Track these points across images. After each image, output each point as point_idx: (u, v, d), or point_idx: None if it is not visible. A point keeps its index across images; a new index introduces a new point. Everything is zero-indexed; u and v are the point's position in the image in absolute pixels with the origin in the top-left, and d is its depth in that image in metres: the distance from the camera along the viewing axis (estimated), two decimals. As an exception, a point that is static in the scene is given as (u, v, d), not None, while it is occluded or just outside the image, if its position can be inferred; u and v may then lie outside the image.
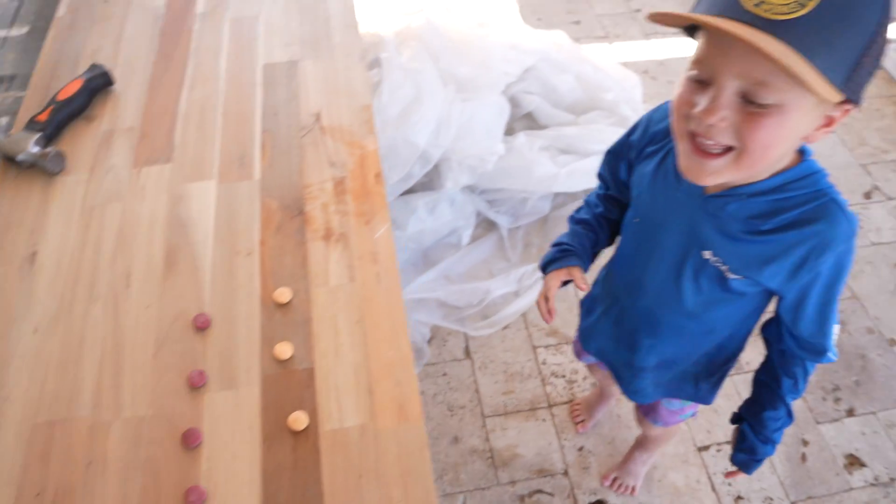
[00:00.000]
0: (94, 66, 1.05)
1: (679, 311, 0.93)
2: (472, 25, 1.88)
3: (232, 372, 0.76)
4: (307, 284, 0.82)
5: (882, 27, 0.61)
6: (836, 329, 0.87)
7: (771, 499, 1.66)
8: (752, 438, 1.00)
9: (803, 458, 1.73)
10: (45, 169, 0.94)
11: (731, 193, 0.77)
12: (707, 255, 0.84)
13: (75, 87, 1.01)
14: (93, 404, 0.74)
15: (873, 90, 2.63)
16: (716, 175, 0.70)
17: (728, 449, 1.72)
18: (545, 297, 0.97)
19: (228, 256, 0.85)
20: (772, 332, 0.93)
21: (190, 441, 0.71)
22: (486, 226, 1.98)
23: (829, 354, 0.87)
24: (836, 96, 0.62)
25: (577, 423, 1.70)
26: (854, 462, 1.73)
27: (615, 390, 1.60)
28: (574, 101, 2.04)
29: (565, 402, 1.77)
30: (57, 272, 0.85)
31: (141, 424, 0.72)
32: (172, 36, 1.10)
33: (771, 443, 1.00)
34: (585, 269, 1.00)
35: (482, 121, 1.80)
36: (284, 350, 0.77)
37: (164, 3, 1.15)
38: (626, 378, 1.14)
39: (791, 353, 0.89)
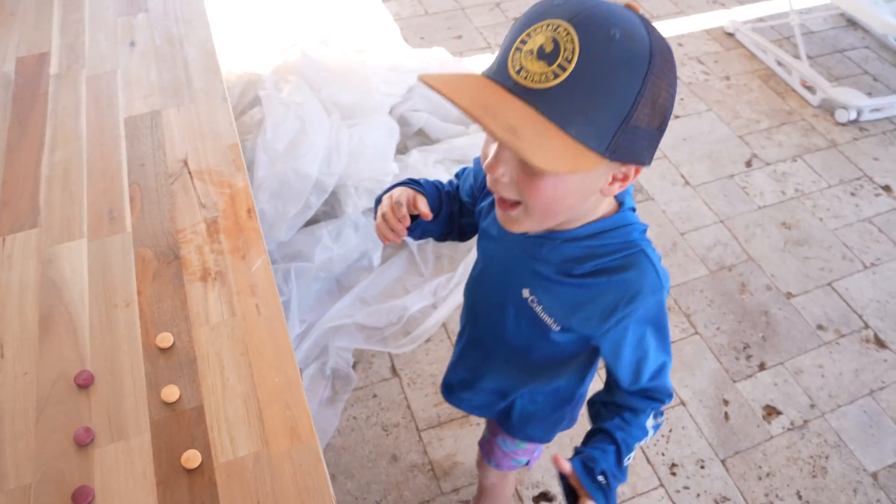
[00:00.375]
0: (-52, 143, 1.03)
1: (504, 345, 0.94)
2: (349, 53, 1.92)
3: (120, 423, 0.76)
4: (189, 326, 0.82)
5: (642, 97, 0.63)
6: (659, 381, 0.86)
7: (702, 460, 1.74)
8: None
9: (726, 416, 1.82)
10: None
11: (546, 237, 0.79)
12: (525, 293, 0.87)
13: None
14: (-26, 483, 0.72)
15: (737, 67, 2.83)
16: (519, 224, 0.73)
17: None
18: (388, 210, 0.89)
19: (106, 310, 0.85)
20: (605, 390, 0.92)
21: (80, 500, 0.70)
22: (396, 246, 2.01)
23: (655, 402, 0.87)
24: (599, 161, 0.64)
25: None
26: (771, 412, 1.83)
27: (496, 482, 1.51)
28: (462, 113, 2.11)
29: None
30: (-74, 355, 0.83)
31: (27, 493, 0.71)
32: (26, 100, 1.09)
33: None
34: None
35: (372, 143, 1.83)
36: (171, 393, 0.77)
37: (13, 69, 1.14)
38: (468, 397, 1.11)
39: (625, 404, 0.87)
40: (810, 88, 2.67)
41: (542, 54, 0.61)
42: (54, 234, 0.94)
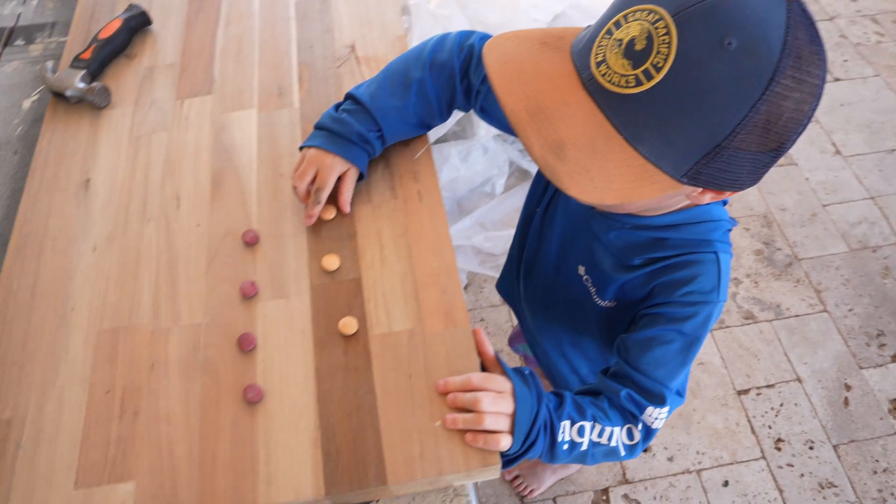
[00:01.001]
0: (131, 7, 1.07)
1: (554, 311, 0.89)
2: (502, -29, 1.86)
3: (282, 283, 0.78)
4: (352, 201, 0.83)
5: (749, 122, 0.51)
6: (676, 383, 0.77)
7: (812, 441, 1.66)
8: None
9: (846, 402, 1.71)
10: (92, 103, 0.97)
11: (615, 219, 0.72)
12: (581, 270, 0.82)
13: (115, 26, 1.04)
14: (152, 313, 0.77)
15: None
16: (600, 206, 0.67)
17: (767, 392, 1.72)
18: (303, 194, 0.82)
19: (272, 178, 0.87)
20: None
21: (245, 345, 0.73)
22: (520, 175, 1.98)
23: (666, 402, 0.76)
24: (670, 186, 0.55)
25: (524, 493, 1.59)
26: (898, 406, 1.71)
27: None
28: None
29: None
30: (110, 196, 0.88)
31: (198, 331, 0.75)
32: (206, -22, 1.12)
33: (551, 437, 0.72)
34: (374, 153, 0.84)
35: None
36: (331, 261, 0.78)
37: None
38: (543, 361, 1.05)
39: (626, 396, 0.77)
40: None
41: (630, 51, 0.51)
42: (227, 102, 0.97)
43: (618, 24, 0.52)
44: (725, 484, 1.61)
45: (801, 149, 2.19)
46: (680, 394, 0.79)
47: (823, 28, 2.57)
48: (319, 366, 0.71)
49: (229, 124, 0.94)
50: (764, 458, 1.64)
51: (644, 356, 0.77)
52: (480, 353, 0.71)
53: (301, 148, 0.83)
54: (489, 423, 0.65)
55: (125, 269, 0.81)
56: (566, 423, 0.71)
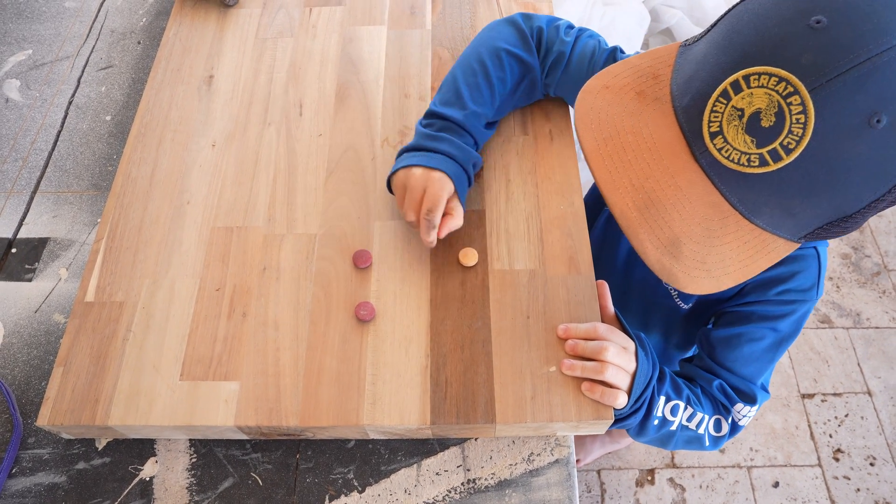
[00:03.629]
0: None
1: (620, 301, 0.82)
2: (625, -75, 1.76)
3: (401, 205, 0.76)
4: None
5: (885, 200, 0.46)
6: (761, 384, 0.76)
7: (874, 458, 1.60)
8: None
9: (916, 422, 1.64)
10: (221, 0, 0.95)
11: None
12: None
13: (250, -76, 1.01)
14: (267, 217, 0.76)
15: None
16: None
17: (833, 400, 1.66)
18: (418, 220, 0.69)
19: (398, 98, 0.84)
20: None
21: (360, 261, 0.71)
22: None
23: (756, 400, 0.75)
24: (786, 247, 0.50)
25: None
26: (974, 435, 1.64)
27: None
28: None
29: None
30: (232, 95, 0.86)
31: (312, 241, 0.74)
32: None
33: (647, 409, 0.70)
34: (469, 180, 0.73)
35: (622, 28, 1.71)
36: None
37: None
38: None
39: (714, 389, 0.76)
40: None
41: (754, 126, 0.43)
42: (357, 15, 0.93)
43: (737, 87, 0.44)
44: (776, 485, 1.57)
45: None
46: (765, 389, 0.76)
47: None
48: (435, 294, 0.69)
49: (357, 38, 0.91)
50: (820, 465, 1.59)
51: (732, 353, 0.74)
52: (601, 308, 0.68)
53: (391, 176, 0.72)
54: (611, 375, 0.62)
55: (243, 170, 0.79)
56: (662, 399, 0.69)
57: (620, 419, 0.66)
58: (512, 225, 0.73)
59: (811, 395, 1.68)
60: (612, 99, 0.52)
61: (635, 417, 0.67)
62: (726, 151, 0.45)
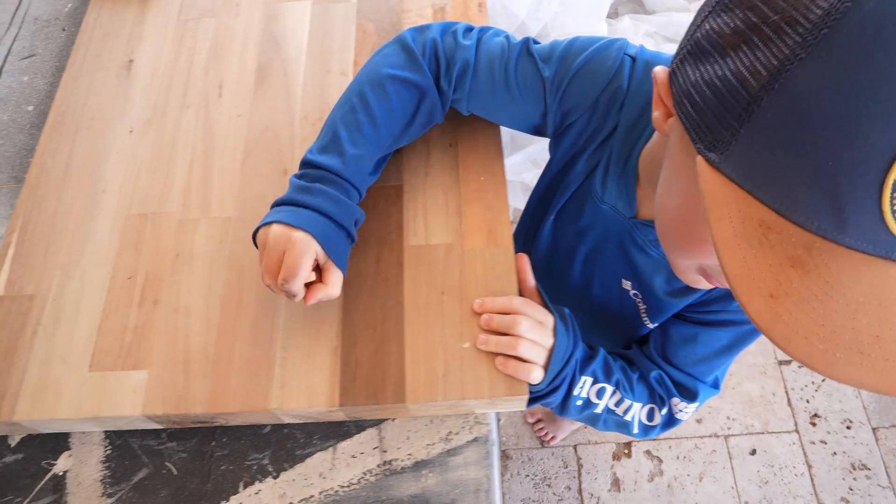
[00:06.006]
0: None
1: (581, 314, 0.75)
2: None
3: (318, 184, 0.74)
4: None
5: None
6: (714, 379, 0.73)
7: (850, 421, 1.59)
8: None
9: (893, 384, 1.63)
10: (142, -18, 0.93)
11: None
12: (626, 285, 0.73)
13: None
14: (182, 202, 0.74)
15: None
16: None
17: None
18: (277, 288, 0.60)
19: (321, 74, 0.82)
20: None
21: (274, 243, 0.69)
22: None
23: (697, 398, 0.72)
24: None
25: (544, 437, 1.58)
26: (950, 395, 1.62)
27: None
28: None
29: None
30: (152, 79, 0.84)
31: (227, 224, 0.72)
32: None
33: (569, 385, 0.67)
34: None
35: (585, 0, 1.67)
36: (373, 167, 0.74)
37: None
38: None
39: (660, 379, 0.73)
40: None
41: None
42: (280, -10, 0.91)
43: None
44: (753, 452, 1.56)
45: None
46: (716, 385, 0.74)
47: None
48: (349, 272, 0.67)
49: (281, 14, 0.88)
50: (797, 431, 1.58)
51: (683, 351, 0.72)
52: (520, 282, 0.66)
53: (255, 232, 0.62)
54: (524, 349, 0.60)
55: (160, 155, 0.78)
56: (587, 380, 0.67)
57: (539, 396, 0.65)
58: (430, 199, 0.71)
59: (788, 362, 1.66)
60: (803, 301, 0.37)
61: (555, 396, 0.65)
62: None
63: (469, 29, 0.69)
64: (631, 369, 0.73)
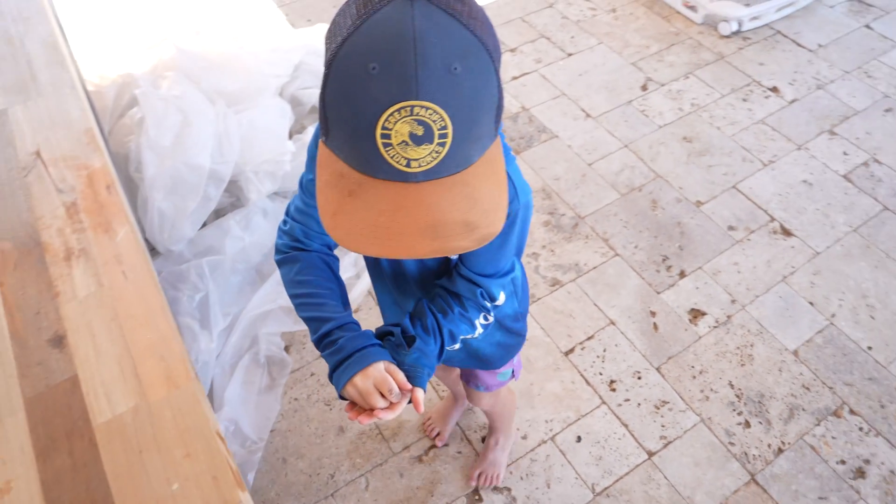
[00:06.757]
0: None
1: (420, 289, 0.96)
2: (226, 41, 1.90)
3: (-5, 408, 0.75)
4: (56, 305, 0.82)
5: (500, 90, 0.64)
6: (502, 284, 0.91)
7: (639, 372, 1.80)
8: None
9: (655, 327, 1.88)
10: None
11: None
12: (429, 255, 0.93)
13: None
14: None
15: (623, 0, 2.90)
16: None
17: (589, 344, 1.85)
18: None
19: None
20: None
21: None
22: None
23: (493, 296, 0.90)
24: (497, 144, 0.68)
25: (434, 438, 1.69)
26: (696, 314, 1.90)
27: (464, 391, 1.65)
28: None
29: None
30: None
31: None
32: None
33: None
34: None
35: (264, 126, 1.83)
36: (45, 371, 0.76)
37: None
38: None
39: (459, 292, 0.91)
40: (692, 7, 2.75)
41: (418, 139, 0.59)
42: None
43: (386, 137, 0.59)
44: (578, 440, 1.70)
45: (557, 122, 2.40)
46: (511, 270, 0.90)
47: (547, 15, 2.85)
48: (45, 478, 0.69)
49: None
50: (604, 402, 1.75)
51: (472, 261, 0.87)
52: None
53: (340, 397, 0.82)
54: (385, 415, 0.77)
55: None
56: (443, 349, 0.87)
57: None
58: (106, 374, 0.76)
59: (571, 350, 1.85)
60: (348, 213, 0.64)
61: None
62: (420, 163, 0.60)
63: (284, 222, 0.89)
64: (451, 315, 0.88)
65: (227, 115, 1.76)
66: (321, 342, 0.84)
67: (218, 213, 1.91)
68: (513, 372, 1.32)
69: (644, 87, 2.52)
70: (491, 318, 0.93)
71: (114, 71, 1.72)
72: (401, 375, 0.80)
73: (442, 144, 0.60)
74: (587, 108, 2.45)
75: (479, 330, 0.92)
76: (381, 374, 0.79)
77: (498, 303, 0.91)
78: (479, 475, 1.64)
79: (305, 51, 2.05)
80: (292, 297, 0.87)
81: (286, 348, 1.84)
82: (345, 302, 0.89)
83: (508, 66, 2.61)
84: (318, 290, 0.86)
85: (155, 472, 0.68)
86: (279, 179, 1.88)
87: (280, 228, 0.90)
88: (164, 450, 0.69)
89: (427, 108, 0.58)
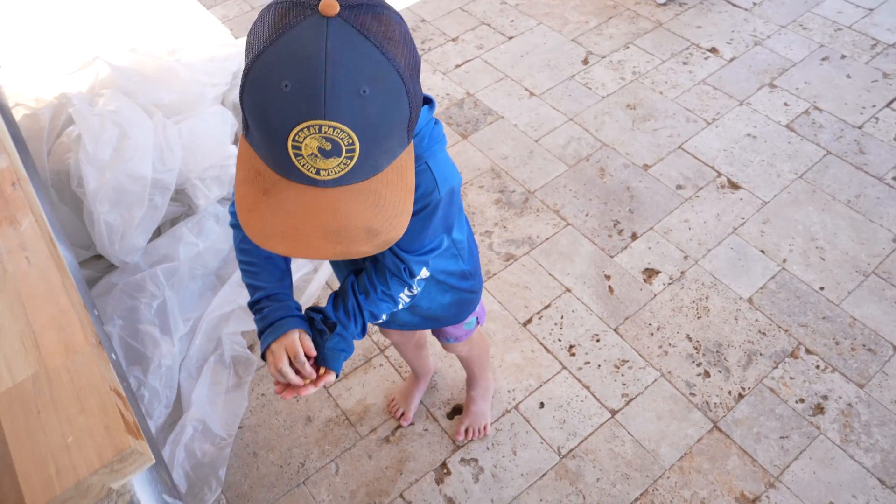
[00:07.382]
0: None
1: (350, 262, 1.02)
2: (161, 55, 1.95)
3: None
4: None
5: (409, 94, 0.66)
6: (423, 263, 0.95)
7: (597, 334, 1.82)
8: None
9: (610, 290, 1.90)
10: None
11: None
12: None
13: None
14: None
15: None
16: None
17: (547, 313, 1.87)
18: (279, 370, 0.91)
19: None
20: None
21: None
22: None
23: (413, 272, 0.94)
24: (408, 150, 0.71)
25: (399, 418, 1.72)
26: (650, 273, 1.93)
27: (427, 369, 1.69)
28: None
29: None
30: None
31: None
32: None
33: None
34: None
35: (205, 133, 1.86)
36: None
37: None
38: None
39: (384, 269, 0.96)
40: (628, -18, 2.80)
41: (326, 153, 0.63)
42: None
43: (297, 148, 0.62)
44: (542, 406, 1.72)
45: (502, 103, 2.44)
46: (442, 243, 0.95)
47: (485, 2, 2.90)
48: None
49: None
50: (565, 367, 1.78)
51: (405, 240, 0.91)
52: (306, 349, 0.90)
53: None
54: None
55: None
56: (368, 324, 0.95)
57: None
58: (8, 349, 0.79)
59: (529, 320, 1.88)
60: (261, 212, 0.68)
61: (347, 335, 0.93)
62: (329, 172, 0.64)
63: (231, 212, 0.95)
64: (372, 296, 0.94)
65: (167, 126, 1.80)
66: (252, 307, 0.96)
67: (173, 224, 1.94)
68: (477, 319, 1.36)
69: (585, 61, 2.57)
70: (415, 291, 0.98)
71: (48, 93, 1.76)
72: (308, 342, 0.91)
73: (350, 158, 0.64)
74: (531, 87, 2.49)
75: (403, 303, 0.98)
76: (291, 341, 0.90)
77: (420, 277, 0.96)
78: (466, 430, 1.66)
79: (243, 58, 2.10)
80: (238, 262, 0.97)
81: (250, 347, 1.87)
82: (282, 270, 0.98)
83: (450, 56, 2.66)
84: (256, 260, 0.95)
85: (52, 430, 0.71)
86: (226, 184, 1.91)
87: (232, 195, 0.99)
88: (60, 409, 0.72)
89: (335, 128, 0.61)
